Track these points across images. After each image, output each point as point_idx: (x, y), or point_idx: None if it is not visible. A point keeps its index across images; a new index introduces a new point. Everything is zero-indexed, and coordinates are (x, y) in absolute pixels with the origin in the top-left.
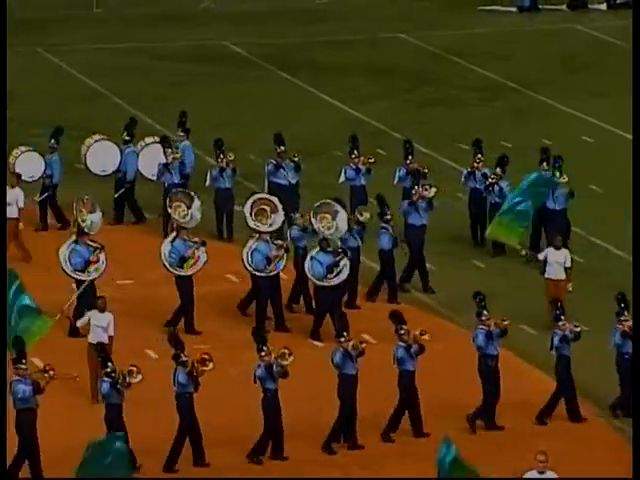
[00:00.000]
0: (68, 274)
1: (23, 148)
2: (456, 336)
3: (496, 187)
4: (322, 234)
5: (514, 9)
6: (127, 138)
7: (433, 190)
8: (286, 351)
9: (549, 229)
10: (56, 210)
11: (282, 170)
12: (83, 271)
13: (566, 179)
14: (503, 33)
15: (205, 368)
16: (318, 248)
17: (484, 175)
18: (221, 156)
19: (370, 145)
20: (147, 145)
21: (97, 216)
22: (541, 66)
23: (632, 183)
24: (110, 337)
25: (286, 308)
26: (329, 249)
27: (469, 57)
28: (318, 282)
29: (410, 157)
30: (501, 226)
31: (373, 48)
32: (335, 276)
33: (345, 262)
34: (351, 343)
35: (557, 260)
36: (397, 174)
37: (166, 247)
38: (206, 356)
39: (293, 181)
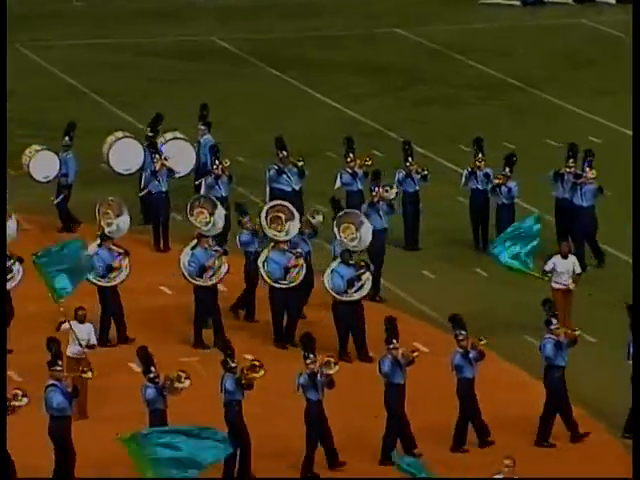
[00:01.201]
0: (89, 279)
1: (37, 147)
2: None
3: (504, 188)
4: (345, 245)
5: (517, 2)
6: (151, 134)
7: (394, 191)
8: (331, 360)
9: (575, 227)
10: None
11: (285, 176)
12: (104, 277)
13: (595, 174)
14: (504, 28)
15: (255, 375)
16: (339, 260)
17: (486, 175)
18: (216, 162)
19: (365, 145)
20: (167, 141)
21: (125, 220)
22: (544, 63)
23: (632, 184)
24: (92, 346)
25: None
26: (351, 262)
27: (468, 53)
28: (338, 296)
29: (410, 159)
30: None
31: (367, 44)
32: (356, 291)
33: (367, 276)
34: (400, 351)
35: (566, 269)
36: (396, 177)
37: (186, 255)
38: (257, 362)
39: (297, 187)
